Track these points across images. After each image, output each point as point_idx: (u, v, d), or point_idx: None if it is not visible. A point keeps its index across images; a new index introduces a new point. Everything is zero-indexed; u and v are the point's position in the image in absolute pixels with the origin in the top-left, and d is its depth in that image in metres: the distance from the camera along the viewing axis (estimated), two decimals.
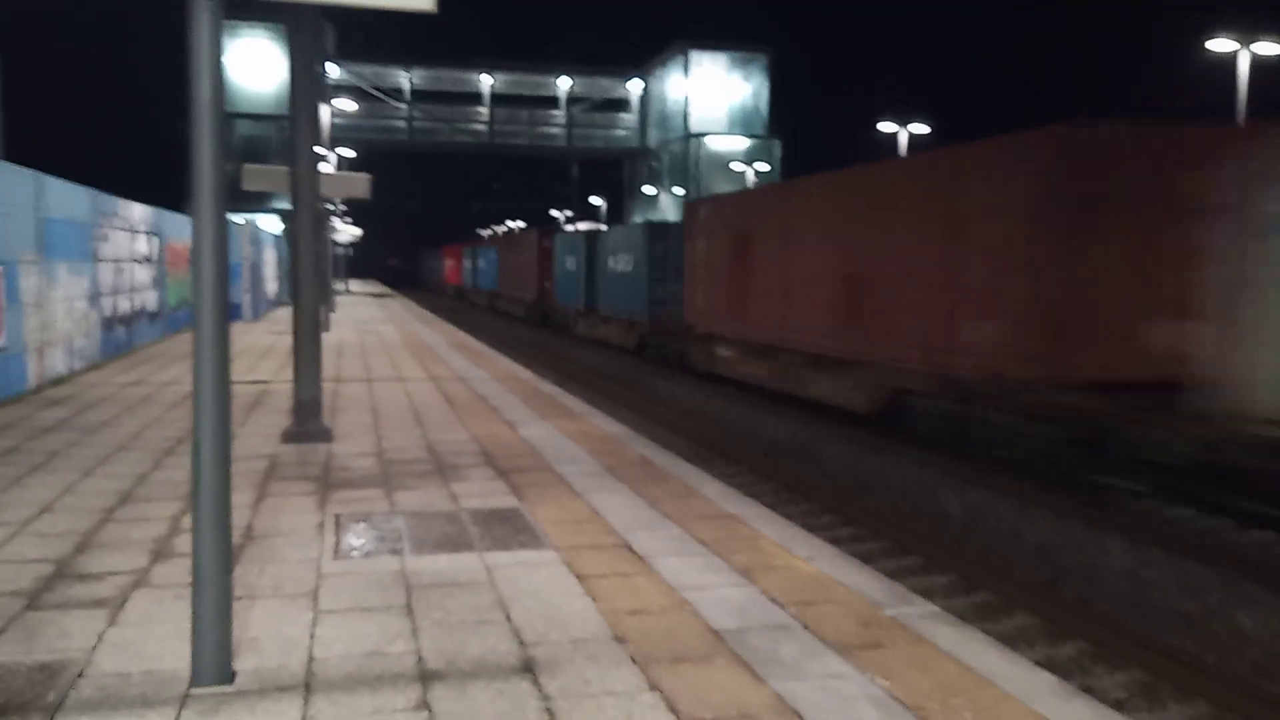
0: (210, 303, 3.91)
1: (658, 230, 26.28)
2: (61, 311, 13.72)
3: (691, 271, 21.68)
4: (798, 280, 16.61)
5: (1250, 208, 8.96)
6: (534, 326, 37.10)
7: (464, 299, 66.89)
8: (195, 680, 3.93)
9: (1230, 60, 19.94)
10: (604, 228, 36.06)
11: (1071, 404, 10.60)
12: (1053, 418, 10.99)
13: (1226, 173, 9.14)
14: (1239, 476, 9.40)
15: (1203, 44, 20.82)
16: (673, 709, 3.79)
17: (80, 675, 4.03)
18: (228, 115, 4.11)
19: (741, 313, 18.79)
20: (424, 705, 3.80)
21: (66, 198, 13.99)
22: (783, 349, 17.13)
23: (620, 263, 28.03)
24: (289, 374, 10.34)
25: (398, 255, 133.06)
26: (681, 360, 23.16)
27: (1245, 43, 20.98)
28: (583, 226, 35.34)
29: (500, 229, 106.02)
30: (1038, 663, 4.86)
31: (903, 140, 30.97)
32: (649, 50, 59.85)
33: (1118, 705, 5.99)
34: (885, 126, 31.43)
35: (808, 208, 16.87)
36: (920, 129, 31.25)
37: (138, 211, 18.47)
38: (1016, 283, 11.10)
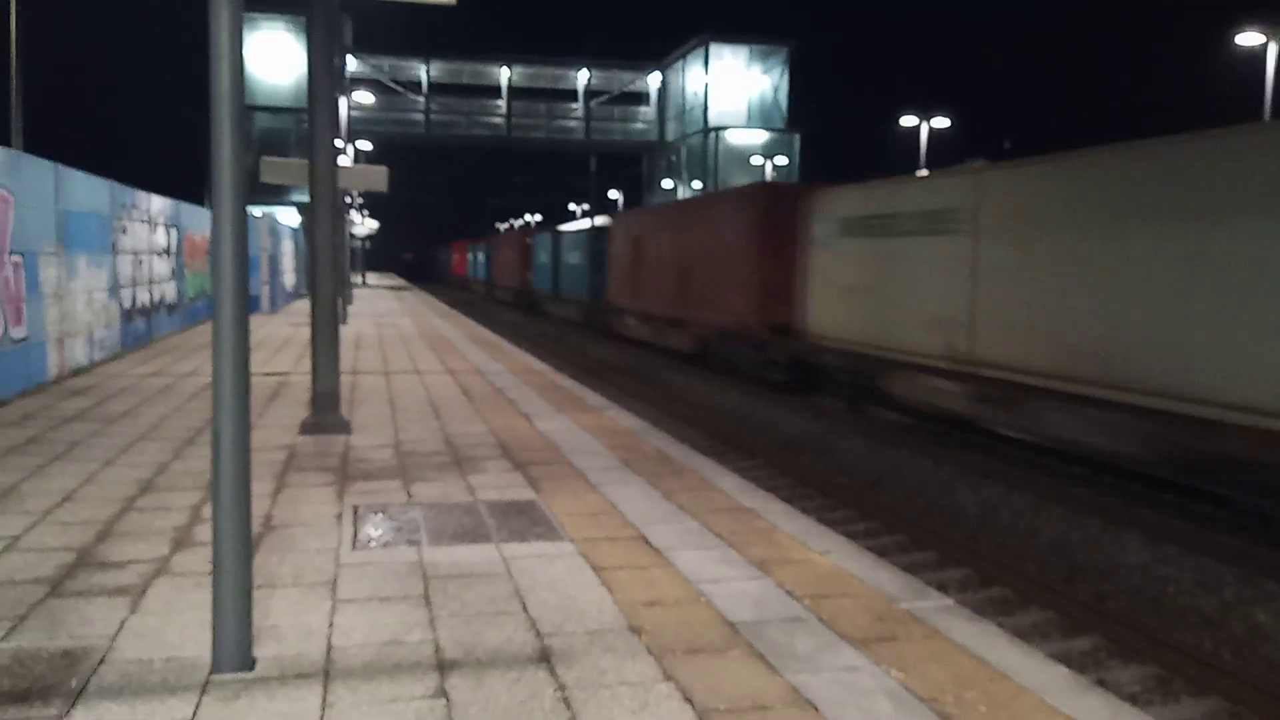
0: (230, 294, 3.94)
1: (598, 232, 32.38)
2: (81, 302, 13.83)
3: (611, 264, 29.88)
4: (659, 270, 24.68)
5: (804, 232, 17.18)
6: (522, 311, 42.73)
7: (467, 288, 75.58)
8: (216, 667, 3.97)
9: (1260, 53, 19.77)
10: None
11: (765, 336, 18.55)
12: (758, 344, 19.05)
13: (800, 212, 17.40)
14: (810, 366, 17.32)
15: (1231, 38, 20.65)
16: (688, 700, 3.81)
17: (102, 662, 4.08)
18: (247, 108, 4.13)
19: (635, 292, 27.00)
20: (441, 693, 3.83)
21: (86, 190, 14.09)
22: (654, 315, 25.39)
23: (573, 257, 36.00)
24: (307, 366, 10.41)
25: (413, 249, 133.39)
26: (606, 328, 30.82)
27: (1274, 36, 20.77)
28: (585, 221, 37.19)
29: (518, 223, 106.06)
30: (1052, 656, 4.86)
31: (924, 134, 30.86)
32: (668, 43, 59.81)
33: (1132, 699, 5.99)
34: (906, 120, 31.29)
35: (664, 223, 25.63)
36: (941, 122, 31.10)
37: (156, 203, 18.58)
38: (748, 272, 19.02)
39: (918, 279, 13.80)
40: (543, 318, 41.68)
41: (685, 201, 28.01)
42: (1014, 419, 12.04)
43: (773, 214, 18.54)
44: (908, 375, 14.01)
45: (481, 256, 70.47)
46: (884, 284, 14.66)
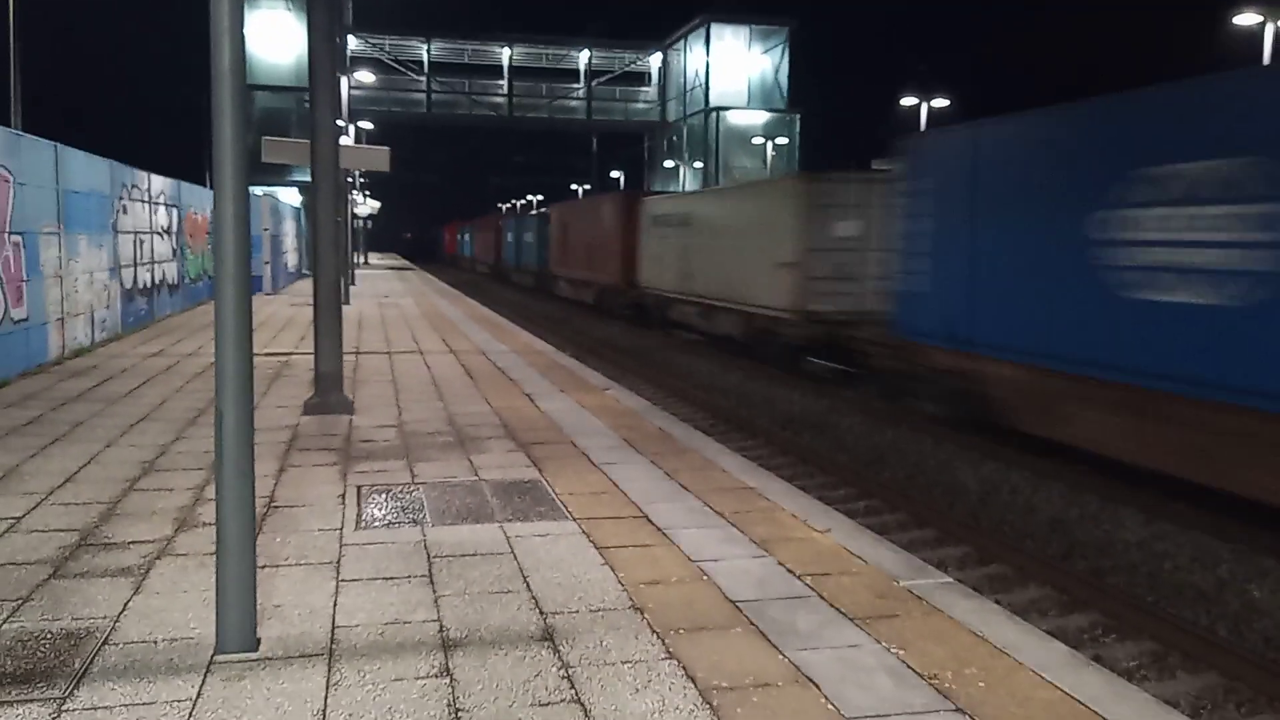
0: (233, 275, 3.95)
1: (545, 217, 43.84)
2: (82, 283, 13.83)
3: (551, 241, 40.56)
4: (576, 247, 35.10)
5: (639, 224, 27.32)
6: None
7: (457, 265, 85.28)
8: (220, 647, 4.00)
9: (1258, 33, 19.68)
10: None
11: (624, 289, 28.22)
12: (621, 293, 28.68)
13: (638, 211, 27.69)
14: (641, 305, 27.44)
15: (1229, 18, 20.57)
16: (691, 677, 3.84)
17: (106, 643, 4.10)
18: (248, 87, 4.12)
19: (563, 262, 37.67)
20: (446, 672, 3.86)
21: (86, 169, 14.07)
22: (574, 279, 36.02)
23: (528, 237, 48.35)
24: (309, 346, 10.42)
25: (415, 229, 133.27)
26: (548, 289, 41.84)
27: (1271, 16, 20.67)
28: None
29: (520, 203, 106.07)
30: (1050, 633, 4.89)
31: (924, 114, 30.76)
32: (670, 23, 59.44)
33: (1129, 675, 6.02)
34: (907, 100, 31.19)
35: (579, 213, 36.26)
36: (941, 102, 31.01)
37: (157, 183, 18.56)
38: (615, 249, 28.68)
39: (673, 251, 24.68)
40: (509, 284, 53.47)
41: (588, 199, 40.36)
42: (708, 324, 22.64)
43: (627, 212, 28.59)
44: (675, 305, 24.84)
45: (467, 237, 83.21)
46: (665, 254, 25.39)
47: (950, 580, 5.05)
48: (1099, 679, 3.89)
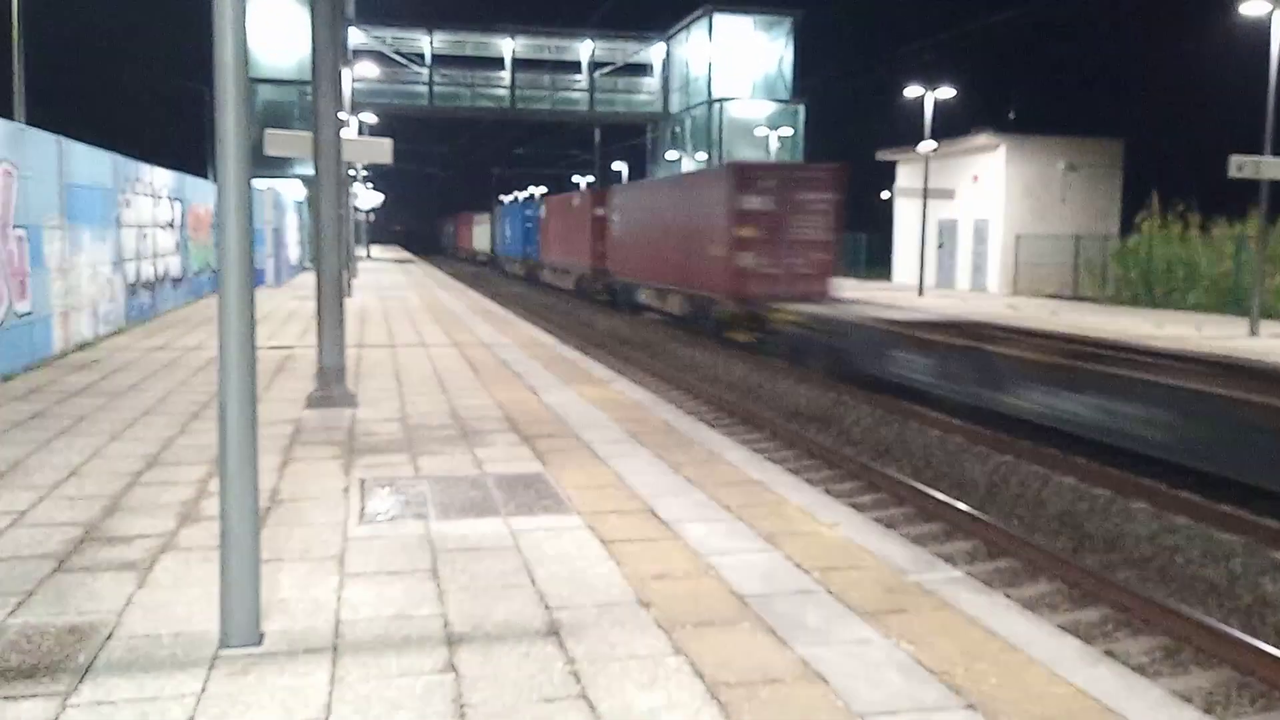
0: (236, 268, 3.91)
1: (533, 206, 49.85)
2: (86, 276, 13.81)
3: (539, 232, 45.84)
4: (555, 237, 40.96)
5: (607, 216, 32.47)
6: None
7: (455, 255, 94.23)
8: (224, 642, 3.97)
9: (1265, 22, 19.54)
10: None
11: (597, 275, 33.30)
12: (595, 278, 33.57)
13: (605, 205, 33.08)
14: (613, 289, 32.17)
15: (1236, 4, 20.43)
16: (698, 673, 3.80)
17: (110, 637, 4.07)
18: (250, 80, 4.08)
19: (549, 249, 42.90)
20: (450, 667, 3.82)
21: (89, 163, 14.03)
22: (557, 267, 41.01)
23: (518, 227, 54.15)
24: (312, 339, 10.39)
25: (418, 221, 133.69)
26: (537, 277, 46.77)
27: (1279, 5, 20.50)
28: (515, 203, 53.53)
29: (522, 195, 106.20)
30: (1062, 628, 4.85)
31: (929, 105, 30.58)
32: (673, 14, 59.31)
33: (1141, 670, 5.98)
34: (911, 91, 31.01)
35: (558, 209, 41.19)
36: (946, 93, 30.84)
37: (160, 176, 18.53)
38: (589, 240, 33.46)
39: (636, 239, 29.27)
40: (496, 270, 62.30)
41: (565, 196, 43.69)
42: (663, 304, 26.40)
43: (597, 207, 33.58)
44: (642, 289, 28.53)
45: (461, 228, 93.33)
46: (630, 243, 29.64)
47: (960, 575, 5.01)
48: (1111, 674, 3.85)
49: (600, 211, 33.15)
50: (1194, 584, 7.73)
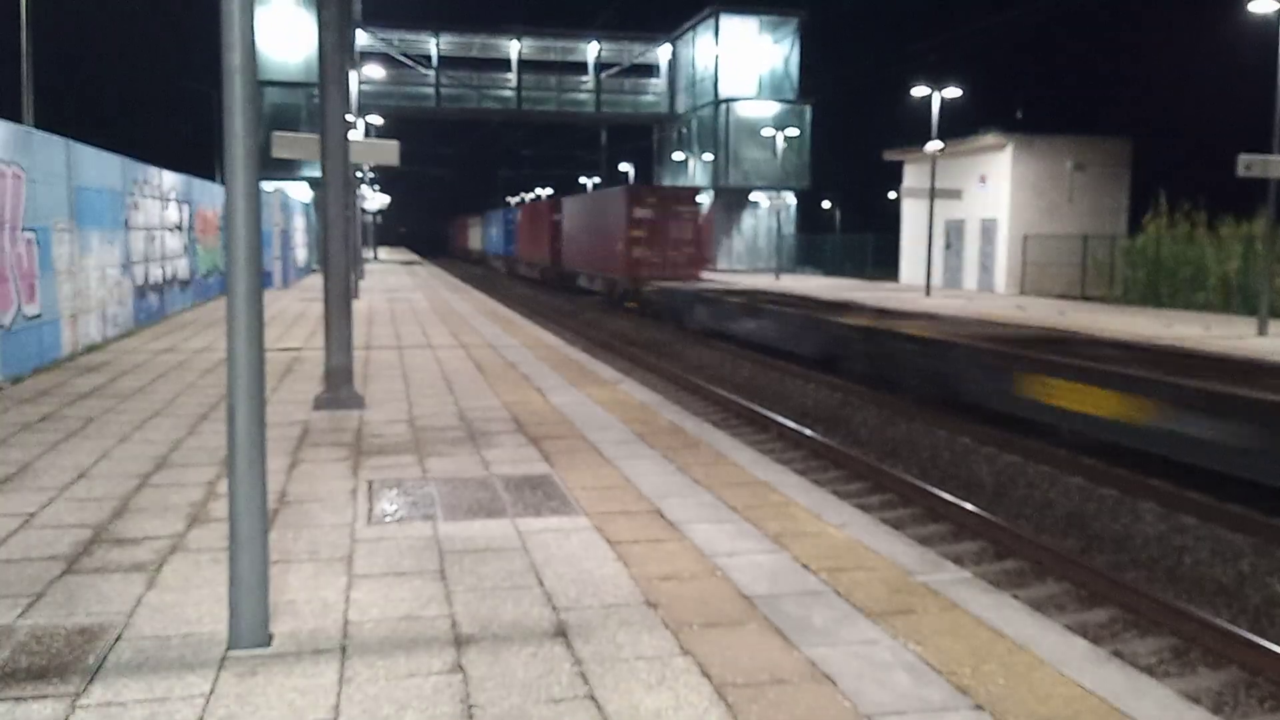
0: (244, 270, 3.92)
1: (511, 212, 60.40)
2: (94, 279, 13.85)
3: (516, 234, 54.80)
4: (526, 238, 51.27)
5: (560, 219, 43.27)
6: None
7: (453, 255, 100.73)
8: (233, 643, 3.98)
9: (1273, 21, 19.47)
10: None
11: (554, 266, 43.82)
12: (552, 269, 44.27)
13: (559, 211, 43.59)
14: (567, 275, 41.57)
15: (1243, 4, 20.38)
16: (705, 674, 3.81)
17: (119, 638, 4.09)
18: (258, 83, 4.09)
19: (522, 248, 51.92)
20: (458, 668, 3.83)
21: (98, 166, 14.08)
22: (530, 262, 49.78)
23: (500, 230, 63.15)
24: (320, 341, 10.41)
25: (426, 223, 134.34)
26: (515, 270, 55.65)
27: None
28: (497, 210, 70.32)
29: (529, 196, 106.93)
30: (1069, 628, 4.84)
31: (935, 104, 30.55)
32: (679, 15, 59.35)
33: (1149, 670, 5.98)
34: (918, 90, 30.98)
35: (529, 214, 51.60)
36: (953, 93, 30.81)
37: (168, 179, 18.58)
38: (548, 239, 44.25)
39: (577, 237, 39.36)
40: (482, 266, 71.33)
41: (533, 204, 55.16)
42: (593, 285, 35.29)
43: (553, 214, 42.95)
44: (582, 276, 37.47)
45: (455, 232, 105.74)
46: (574, 240, 38.99)
47: (967, 575, 5.00)
48: (1120, 675, 3.85)
49: (556, 217, 43.11)
50: (1202, 584, 7.71)
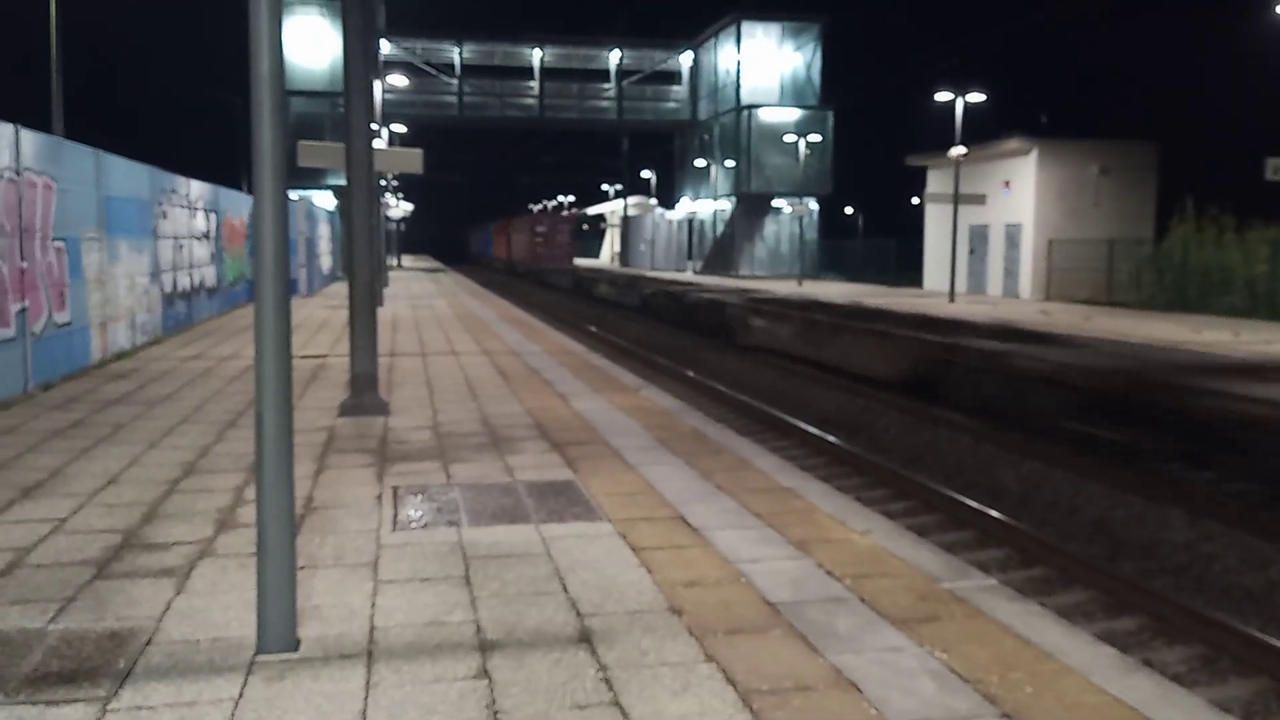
0: (272, 278, 3.96)
1: (489, 227, 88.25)
2: (123, 287, 13.99)
3: (492, 240, 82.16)
4: (496, 244, 78.87)
5: (512, 231, 74.11)
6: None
7: (468, 261, 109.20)
8: (261, 647, 4.01)
9: None
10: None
11: (508, 262, 70.28)
12: (507, 266, 70.33)
13: (510, 223, 74.53)
14: (513, 269, 68.44)
15: (1271, 7, 20.26)
16: (730, 680, 3.81)
17: (149, 643, 4.13)
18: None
19: (495, 250, 78.94)
20: (483, 674, 3.85)
21: (126, 175, 14.22)
22: (496, 259, 78.35)
23: (487, 239, 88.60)
24: (344, 348, 10.48)
25: (448, 230, 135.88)
26: (493, 266, 78.20)
27: None
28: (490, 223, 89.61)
29: (550, 204, 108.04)
30: (1097, 636, 4.81)
31: (959, 110, 30.45)
32: (700, 21, 59.39)
33: (1179, 679, 5.92)
34: (941, 96, 30.90)
35: (513, 225, 71.37)
36: (976, 98, 30.70)
37: (195, 188, 18.74)
38: (505, 244, 73.98)
39: (516, 242, 67.87)
40: (485, 268, 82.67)
41: (502, 221, 75.50)
42: (518, 269, 63.78)
43: (507, 228, 72.16)
44: (519, 266, 63.85)
45: (466, 238, 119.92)
46: (515, 244, 66.22)
47: (993, 583, 4.98)
48: (1149, 683, 3.82)
49: (507, 231, 70.02)
50: (1232, 592, 7.64)
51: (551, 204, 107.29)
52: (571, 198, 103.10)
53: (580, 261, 73.14)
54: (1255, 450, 10.58)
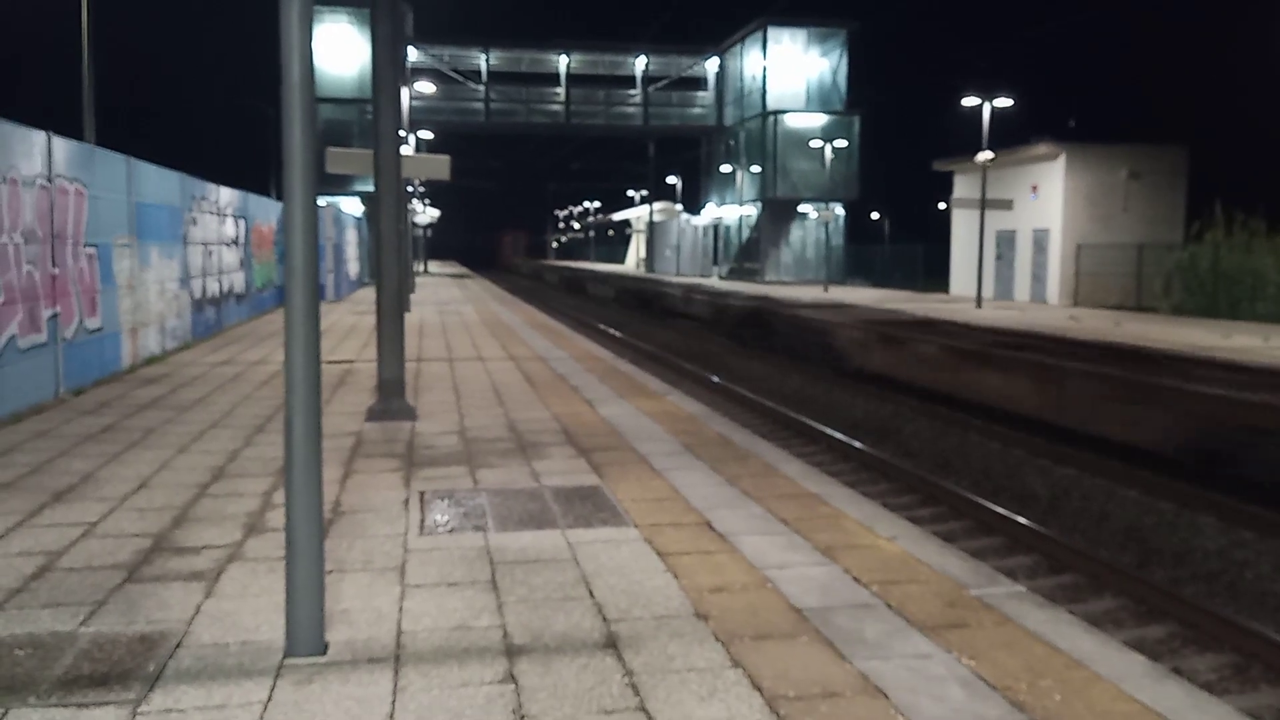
0: (301, 284, 3.99)
1: (495, 236, 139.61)
2: (154, 293, 14.12)
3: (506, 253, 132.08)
4: (497, 252, 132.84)
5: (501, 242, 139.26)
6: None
7: (493, 267, 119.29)
8: (290, 651, 4.04)
9: None
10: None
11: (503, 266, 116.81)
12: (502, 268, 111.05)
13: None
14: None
15: None
16: (756, 686, 3.80)
17: (179, 646, 4.16)
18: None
19: (500, 257, 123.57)
20: (510, 679, 3.86)
21: (157, 182, 14.36)
22: (496, 264, 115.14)
23: (492, 247, 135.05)
24: (372, 353, 10.53)
25: (476, 236, 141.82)
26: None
27: None
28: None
29: (576, 209, 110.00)
30: (1127, 644, 4.77)
31: (986, 114, 30.32)
32: (727, 27, 59.38)
33: (1210, 687, 5.86)
34: (969, 100, 30.78)
35: (499, 239, 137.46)
36: (1004, 102, 30.55)
37: (225, 195, 18.90)
38: (498, 252, 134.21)
39: (502, 249, 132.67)
40: (513, 273, 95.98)
41: (500, 235, 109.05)
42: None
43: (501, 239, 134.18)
44: (508, 268, 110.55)
45: (490, 246, 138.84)
46: (501, 251, 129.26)
47: (1022, 589, 4.94)
48: (1180, 691, 3.78)
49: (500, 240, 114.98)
50: (1264, 599, 7.55)
51: (578, 210, 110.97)
52: (598, 203, 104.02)
53: (603, 268, 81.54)
54: None
